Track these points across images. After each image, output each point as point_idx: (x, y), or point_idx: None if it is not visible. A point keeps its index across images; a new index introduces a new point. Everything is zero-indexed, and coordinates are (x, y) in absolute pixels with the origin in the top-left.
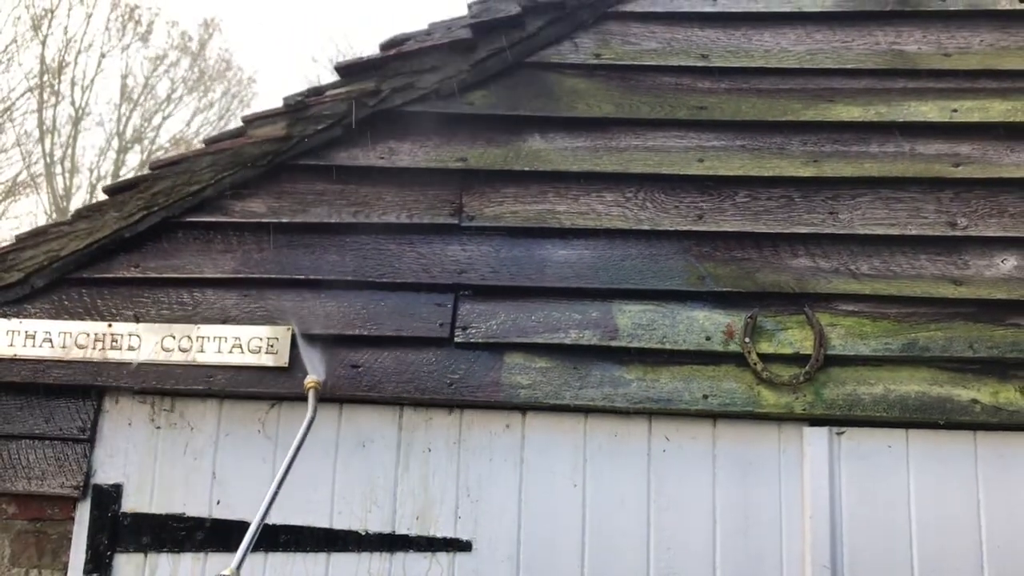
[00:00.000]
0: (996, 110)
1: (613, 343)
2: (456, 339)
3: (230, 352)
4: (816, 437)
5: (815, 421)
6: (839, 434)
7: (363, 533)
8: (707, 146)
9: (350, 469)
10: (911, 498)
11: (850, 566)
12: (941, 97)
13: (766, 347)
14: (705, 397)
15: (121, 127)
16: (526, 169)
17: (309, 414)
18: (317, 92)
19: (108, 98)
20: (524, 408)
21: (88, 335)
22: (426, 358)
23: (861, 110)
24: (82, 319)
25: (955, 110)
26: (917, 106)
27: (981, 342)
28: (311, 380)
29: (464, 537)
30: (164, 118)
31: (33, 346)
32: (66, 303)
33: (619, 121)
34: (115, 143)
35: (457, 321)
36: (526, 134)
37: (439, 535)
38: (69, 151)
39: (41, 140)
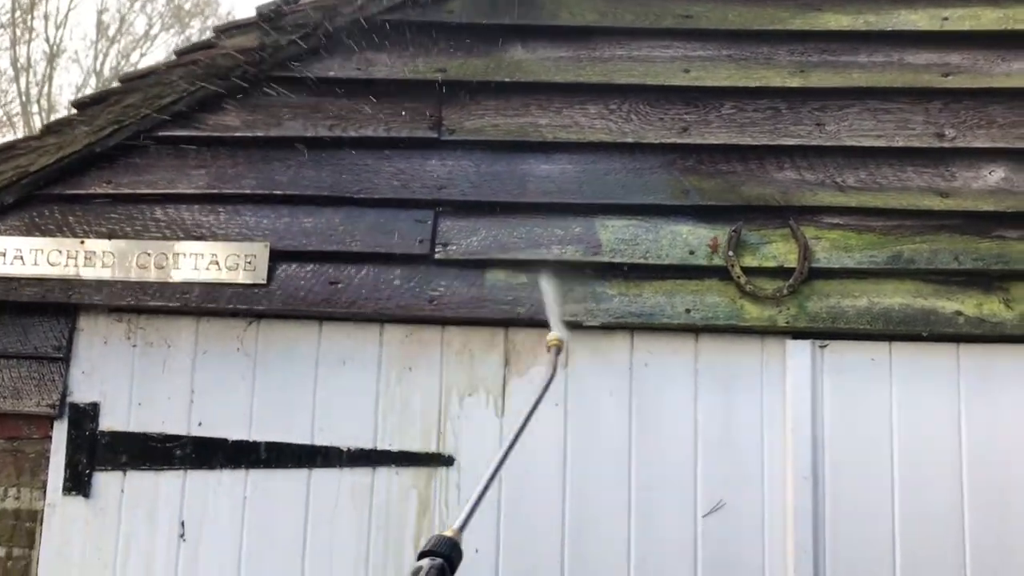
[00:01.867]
0: (987, 18)
1: (596, 258)
2: (436, 255)
3: (206, 269)
4: (799, 350)
5: (798, 334)
6: (822, 347)
7: (344, 449)
8: (693, 56)
9: (330, 386)
10: (893, 410)
11: (831, 477)
12: (932, 5)
13: (750, 261)
14: (688, 311)
15: (98, 65)
16: (507, 80)
17: (549, 372)
18: (291, 1)
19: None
20: (506, 324)
21: (61, 252)
22: (406, 275)
23: (850, 19)
24: (54, 236)
25: (946, 18)
26: (907, 14)
27: (966, 254)
28: (553, 337)
29: (446, 452)
30: (142, 55)
31: (4, 263)
32: (37, 220)
33: (603, 30)
34: (92, 81)
35: (437, 237)
36: (507, 44)
37: (421, 450)
38: (45, 89)
39: (16, 79)
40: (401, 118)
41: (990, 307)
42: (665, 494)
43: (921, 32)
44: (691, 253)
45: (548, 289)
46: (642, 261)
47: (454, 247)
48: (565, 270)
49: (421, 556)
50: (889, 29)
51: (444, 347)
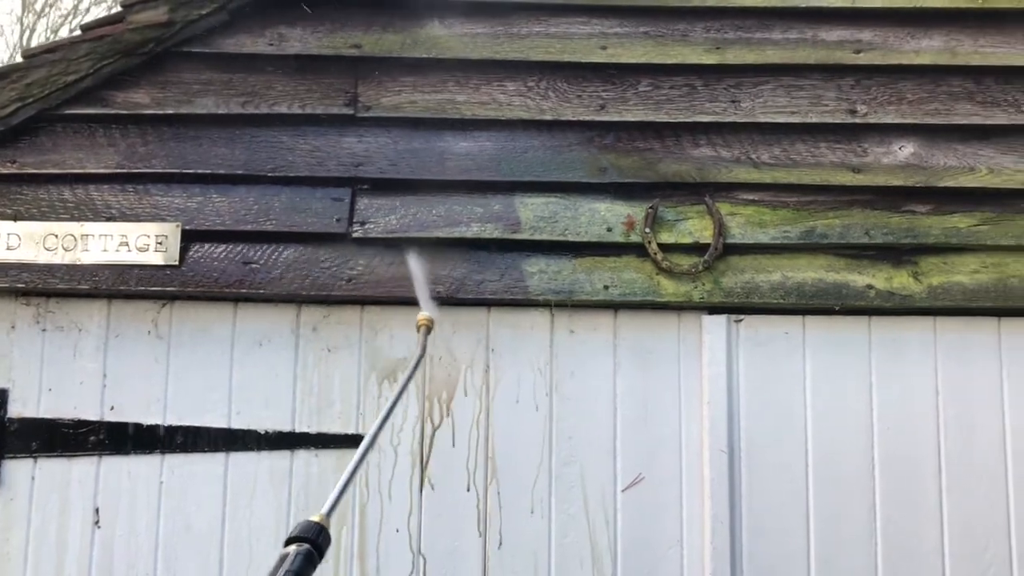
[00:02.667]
0: None
1: (515, 236)
2: (354, 234)
3: (116, 251)
4: (714, 325)
5: (714, 309)
6: (737, 321)
7: (263, 432)
8: (610, 33)
9: (247, 369)
10: (807, 383)
11: (747, 450)
12: None
13: (667, 237)
14: (606, 288)
15: (25, 40)
16: (425, 56)
17: (418, 352)
18: None
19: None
20: None
21: None
22: (323, 254)
23: None
24: None
25: None
26: None
27: (877, 229)
28: (423, 317)
29: (366, 433)
30: (71, 31)
31: None
32: None
33: (521, 6)
34: (19, 58)
35: (355, 216)
36: (425, 19)
37: (341, 432)
38: None
39: None
40: (316, 94)
41: (900, 280)
42: (585, 469)
43: (834, 9)
44: (609, 230)
45: (416, 267)
46: (561, 238)
47: (372, 225)
48: (483, 247)
49: (288, 542)
50: (803, 6)
51: (363, 327)
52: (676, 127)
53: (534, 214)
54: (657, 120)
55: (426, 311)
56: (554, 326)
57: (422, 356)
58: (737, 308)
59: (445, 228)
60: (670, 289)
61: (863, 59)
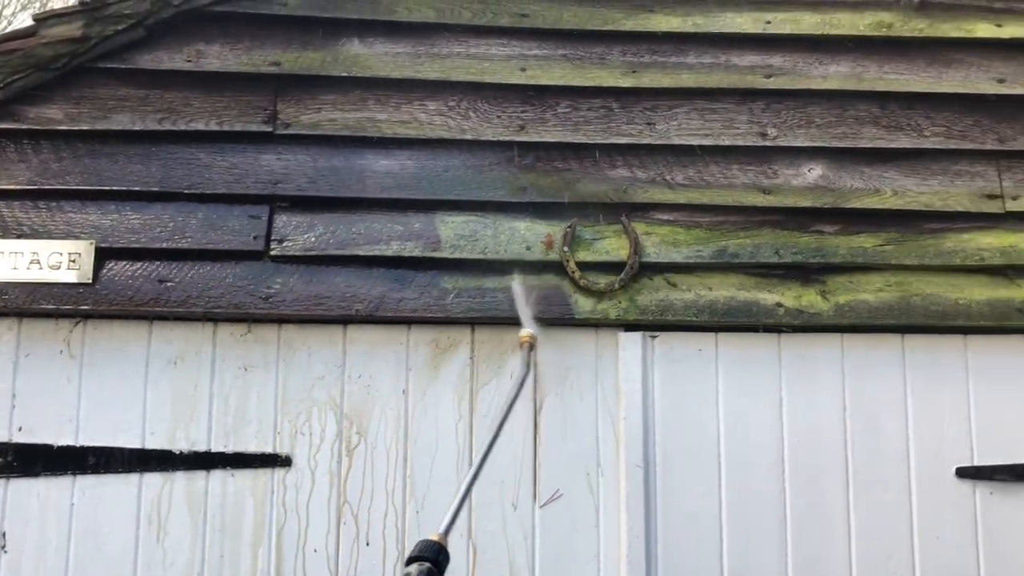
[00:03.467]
0: (807, 22)
1: (435, 254)
2: (272, 252)
3: (27, 268)
4: (630, 342)
5: (630, 326)
6: (652, 338)
7: (177, 452)
8: (529, 55)
9: (162, 388)
10: (719, 398)
11: (662, 464)
12: (756, 8)
13: (584, 255)
14: None
15: None
16: (344, 75)
17: (522, 370)
18: None
19: None
20: (346, 321)
21: None
22: (240, 272)
23: (679, 20)
24: None
25: (768, 22)
26: (733, 17)
27: (786, 248)
28: (526, 334)
29: (284, 453)
30: None
31: None
32: None
33: (441, 27)
34: None
35: (272, 234)
36: (344, 38)
37: (258, 451)
38: None
39: None
40: (235, 112)
41: (808, 299)
42: (504, 486)
43: (746, 35)
44: (528, 248)
45: (518, 288)
46: (481, 256)
47: (290, 243)
48: (404, 265)
49: (409, 562)
50: (716, 31)
51: (281, 346)
52: (594, 148)
53: (454, 232)
54: (576, 141)
55: (528, 328)
56: (474, 344)
57: (527, 372)
58: (652, 325)
59: (365, 246)
60: (588, 307)
61: (773, 84)
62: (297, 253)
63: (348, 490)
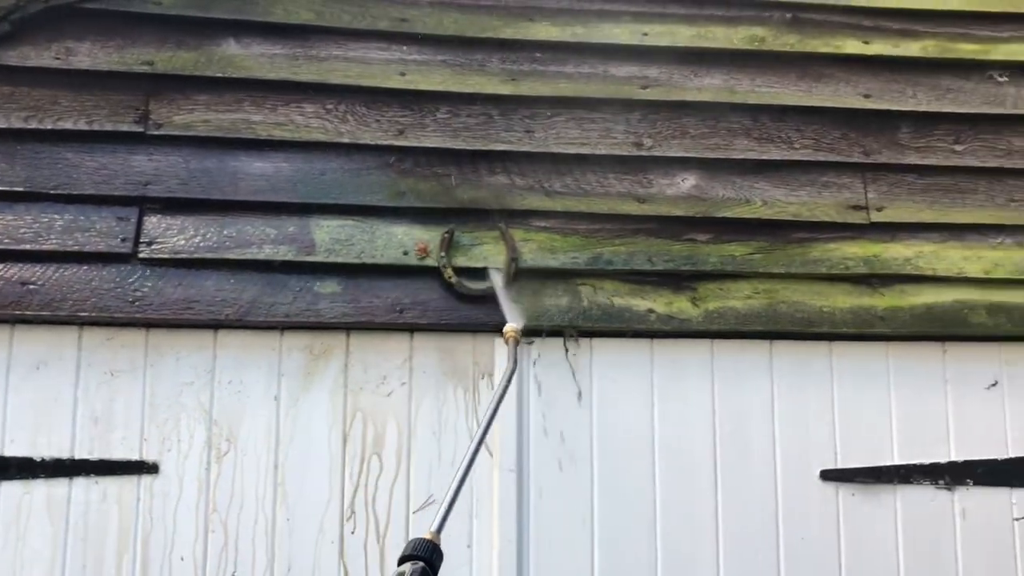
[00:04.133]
0: (683, 35)
1: (309, 258)
2: (140, 255)
3: None
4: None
5: None
6: (528, 344)
7: (39, 460)
8: (409, 60)
9: (24, 393)
10: (593, 402)
11: (535, 469)
12: (634, 21)
13: (462, 261)
14: (401, 311)
15: None
16: (219, 76)
17: (510, 365)
18: None
19: None
20: (215, 326)
21: None
22: (107, 275)
23: (559, 30)
24: None
25: (646, 34)
26: (611, 28)
27: (659, 256)
28: (510, 329)
29: (151, 460)
30: None
31: None
32: None
33: (319, 29)
34: None
35: (141, 236)
36: (220, 38)
37: (124, 458)
38: None
39: None
40: (105, 111)
41: (679, 305)
42: (378, 491)
43: (623, 46)
44: (405, 254)
45: (499, 282)
46: (357, 261)
47: (160, 246)
48: (276, 269)
49: (402, 561)
50: (594, 42)
51: (149, 351)
52: (473, 154)
53: (330, 236)
54: (455, 147)
55: (512, 323)
56: (349, 349)
57: (514, 367)
58: (528, 331)
59: (236, 249)
60: (464, 313)
61: (649, 94)
62: (166, 256)
63: (217, 497)
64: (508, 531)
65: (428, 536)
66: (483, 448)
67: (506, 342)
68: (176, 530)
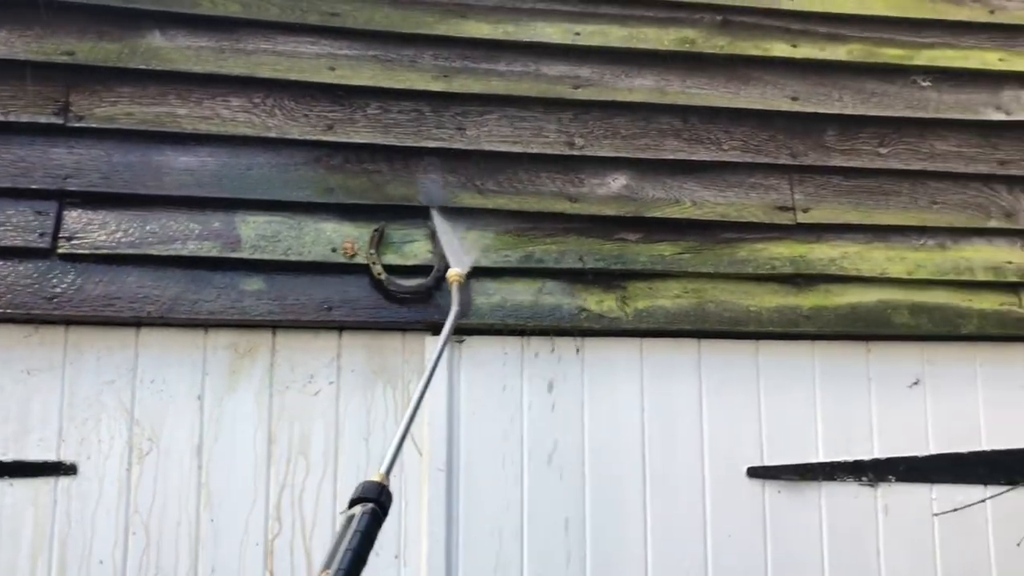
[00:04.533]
0: (615, 35)
1: (234, 255)
2: (59, 250)
3: None
4: (436, 345)
5: (438, 330)
6: (459, 342)
7: None
8: (339, 54)
9: None
10: (524, 401)
11: (465, 467)
12: (566, 20)
13: (392, 258)
14: (329, 309)
15: None
16: (143, 68)
17: (455, 308)
18: None
19: None
20: (138, 324)
21: None
22: (24, 271)
23: (491, 27)
24: None
25: (578, 33)
26: (544, 27)
27: (590, 255)
28: (454, 273)
29: (69, 461)
30: None
31: None
32: None
33: (247, 22)
34: None
35: (61, 231)
36: (145, 30)
37: (40, 459)
38: None
39: None
40: (22, 102)
41: (608, 304)
42: (304, 492)
43: (555, 45)
44: (334, 251)
45: (442, 225)
46: (283, 258)
47: (80, 241)
48: (200, 265)
49: (352, 504)
50: (527, 40)
51: (68, 348)
52: (404, 151)
53: (256, 232)
54: (386, 143)
55: (457, 268)
56: (275, 348)
57: (459, 311)
58: (459, 329)
59: (159, 245)
60: (394, 310)
61: (581, 94)
62: (86, 251)
63: (138, 499)
64: (437, 530)
65: (377, 478)
66: (413, 447)
67: (450, 285)
68: (95, 533)
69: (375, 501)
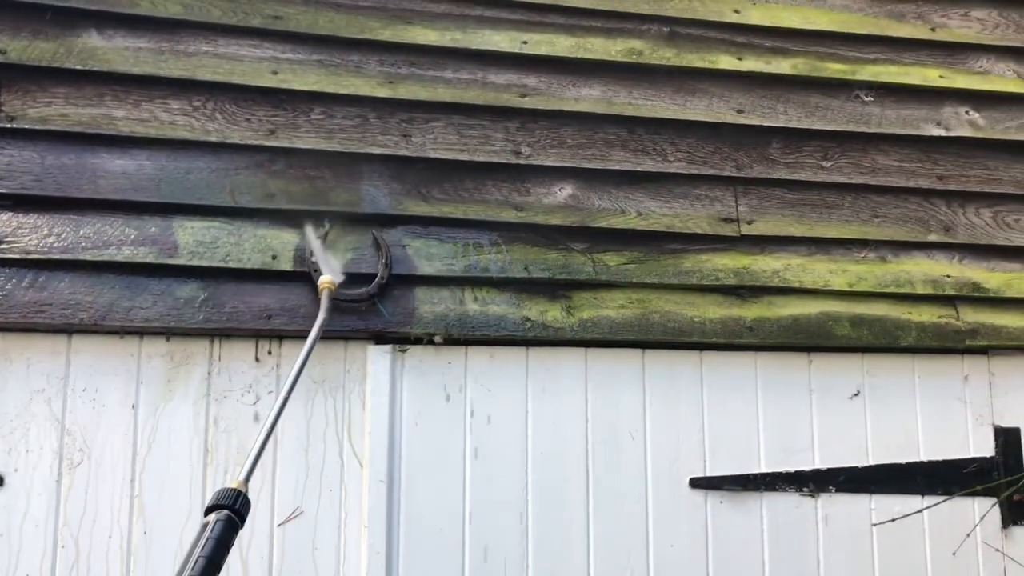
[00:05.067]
0: (562, 45)
1: (171, 261)
2: None
3: None
4: (379, 355)
5: (380, 339)
6: (401, 351)
7: None
8: (282, 58)
9: None
10: (467, 411)
11: (407, 479)
12: (513, 28)
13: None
14: (269, 317)
15: None
16: (79, 68)
17: (322, 315)
18: None
19: None
20: (69, 331)
21: None
22: None
23: (438, 34)
24: None
25: (525, 42)
26: (491, 35)
27: (536, 264)
28: (325, 280)
29: None
30: None
31: None
32: None
33: (188, 24)
34: None
35: None
36: (81, 29)
37: None
38: None
39: None
40: None
41: (553, 314)
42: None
43: (503, 53)
44: (274, 258)
45: (312, 235)
46: (222, 265)
47: (9, 245)
48: (135, 272)
49: (208, 511)
50: (474, 48)
51: None
52: (349, 157)
53: (194, 239)
54: (329, 149)
55: (328, 275)
56: (212, 357)
57: (326, 318)
58: (402, 339)
59: (93, 250)
60: (336, 319)
61: (528, 103)
62: (16, 256)
63: (68, 511)
64: (377, 543)
65: (235, 485)
66: (354, 457)
67: (320, 292)
68: (22, 546)
69: (231, 508)
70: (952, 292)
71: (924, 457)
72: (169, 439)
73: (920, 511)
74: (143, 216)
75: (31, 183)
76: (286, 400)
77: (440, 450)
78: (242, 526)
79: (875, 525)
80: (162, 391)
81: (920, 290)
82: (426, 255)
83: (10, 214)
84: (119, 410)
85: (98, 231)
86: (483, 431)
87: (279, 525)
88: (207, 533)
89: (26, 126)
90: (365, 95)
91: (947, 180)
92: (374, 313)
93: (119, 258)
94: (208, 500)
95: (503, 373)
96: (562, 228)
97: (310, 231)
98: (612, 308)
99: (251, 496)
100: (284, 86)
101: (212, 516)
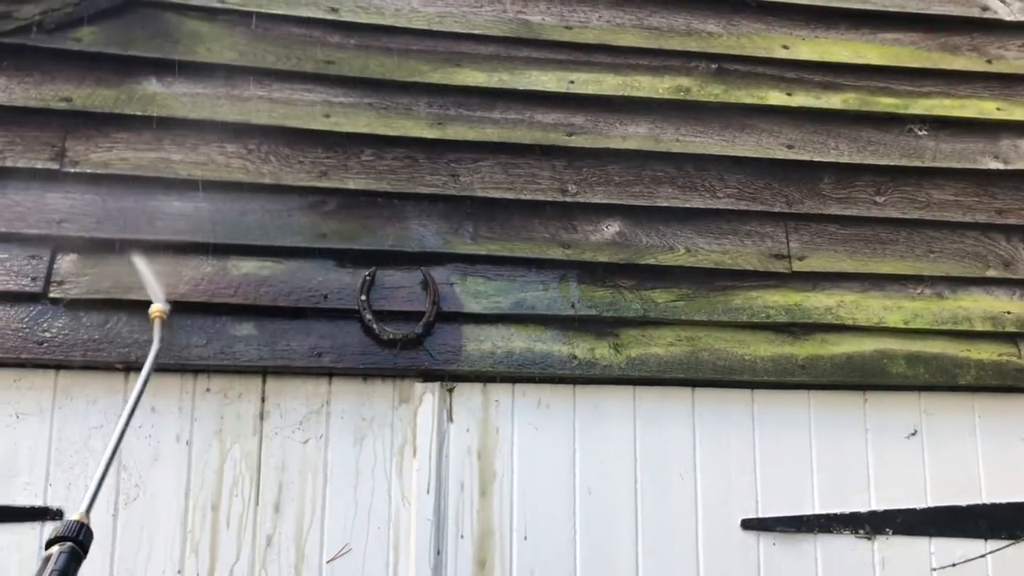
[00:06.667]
0: (609, 84)
1: (228, 300)
2: (51, 295)
3: None
4: (428, 393)
5: (428, 376)
6: (449, 390)
7: None
8: (334, 102)
9: None
10: (514, 448)
11: (454, 516)
12: (560, 68)
13: (384, 304)
14: (320, 355)
15: None
16: (139, 114)
17: (155, 344)
18: None
19: None
20: (127, 369)
21: None
22: (15, 315)
23: (486, 76)
24: None
25: (572, 81)
26: (538, 75)
27: (583, 302)
28: (157, 309)
29: (55, 505)
30: None
31: None
32: None
33: (243, 69)
34: None
35: (53, 275)
36: (141, 76)
37: (27, 504)
38: None
39: None
40: (19, 147)
41: (601, 351)
42: (289, 541)
43: (550, 93)
44: (325, 297)
45: (143, 265)
46: (274, 304)
47: (72, 286)
48: (191, 311)
49: (50, 544)
50: (521, 88)
51: (58, 393)
52: (398, 197)
53: (247, 278)
54: (379, 189)
55: (159, 304)
56: (265, 393)
57: (159, 347)
58: (450, 376)
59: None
60: (384, 357)
61: (575, 141)
62: (79, 296)
63: (124, 546)
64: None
65: (77, 517)
66: (400, 497)
67: (152, 321)
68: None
69: (74, 540)
70: (1013, 329)
71: (986, 499)
72: (222, 474)
73: (983, 555)
74: (200, 256)
75: (93, 226)
76: (123, 433)
77: (488, 486)
78: (85, 557)
79: (935, 570)
80: (215, 427)
81: (979, 327)
82: (473, 293)
83: (73, 255)
84: (173, 446)
85: (156, 271)
86: (531, 467)
87: (327, 561)
88: (51, 566)
89: (88, 170)
90: (414, 136)
91: (1006, 214)
92: (422, 351)
93: (175, 297)
94: (51, 532)
95: (550, 411)
96: (609, 265)
97: (139, 261)
98: (660, 346)
99: (300, 532)
100: (336, 129)
101: (55, 549)
